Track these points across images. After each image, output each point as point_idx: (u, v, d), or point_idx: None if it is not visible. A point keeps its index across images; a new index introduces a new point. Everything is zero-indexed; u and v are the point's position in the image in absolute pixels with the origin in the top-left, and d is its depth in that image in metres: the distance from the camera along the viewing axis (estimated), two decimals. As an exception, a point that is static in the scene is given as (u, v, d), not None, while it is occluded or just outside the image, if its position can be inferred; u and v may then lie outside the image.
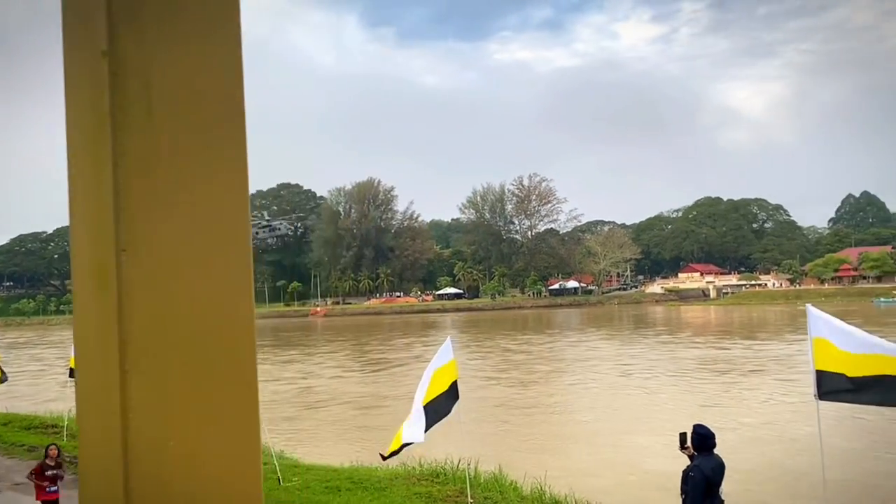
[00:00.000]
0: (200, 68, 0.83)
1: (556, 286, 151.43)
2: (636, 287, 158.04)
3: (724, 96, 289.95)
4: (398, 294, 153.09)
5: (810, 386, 23.44)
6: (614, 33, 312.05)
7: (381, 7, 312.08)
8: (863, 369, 7.71)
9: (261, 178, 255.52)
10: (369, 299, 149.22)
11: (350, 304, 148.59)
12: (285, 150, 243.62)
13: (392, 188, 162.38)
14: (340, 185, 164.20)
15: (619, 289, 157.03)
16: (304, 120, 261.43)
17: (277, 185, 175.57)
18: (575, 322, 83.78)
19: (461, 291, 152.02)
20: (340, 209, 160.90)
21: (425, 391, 11.14)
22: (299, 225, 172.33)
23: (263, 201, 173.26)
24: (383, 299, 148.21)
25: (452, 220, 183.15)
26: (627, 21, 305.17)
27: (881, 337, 8.39)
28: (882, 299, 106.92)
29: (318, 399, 30.78)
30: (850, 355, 7.81)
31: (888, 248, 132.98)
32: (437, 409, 11.04)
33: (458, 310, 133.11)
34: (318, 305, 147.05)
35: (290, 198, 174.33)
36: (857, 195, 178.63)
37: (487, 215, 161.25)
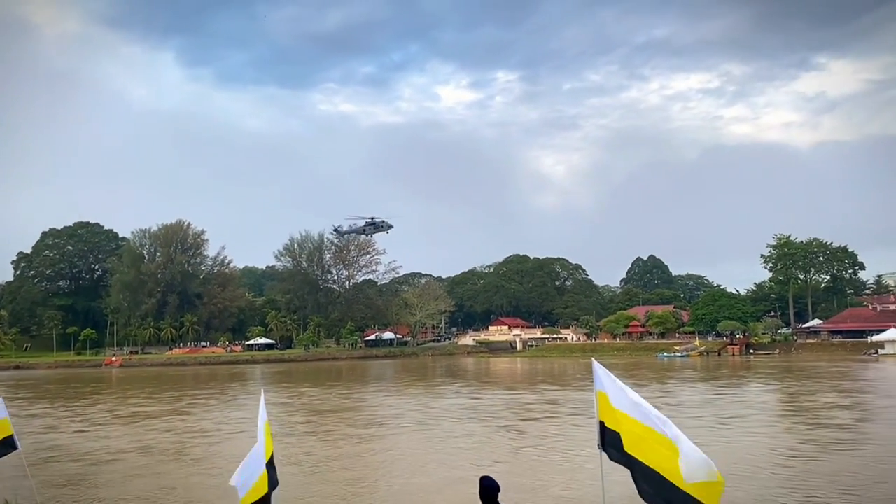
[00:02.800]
0: None
1: (372, 337, 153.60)
2: (450, 339, 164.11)
3: (533, 162, 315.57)
4: (204, 344, 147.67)
5: (527, 434, 27.16)
6: (435, 95, 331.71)
7: (200, 47, 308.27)
8: (635, 443, 7.41)
9: (55, 214, 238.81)
10: (171, 349, 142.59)
11: (150, 353, 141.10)
12: (87, 187, 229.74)
13: (203, 231, 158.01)
14: (146, 226, 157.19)
15: (434, 340, 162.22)
16: (111, 156, 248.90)
17: (74, 223, 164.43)
18: (382, 373, 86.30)
19: (273, 342, 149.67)
20: (144, 252, 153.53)
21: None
22: (97, 267, 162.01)
23: (56, 240, 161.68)
24: (187, 349, 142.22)
25: (267, 267, 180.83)
26: (447, 85, 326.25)
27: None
28: (664, 354, 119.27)
29: (49, 455, 30.18)
30: (624, 416, 7.61)
31: (670, 308, 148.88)
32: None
33: (268, 361, 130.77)
34: (113, 355, 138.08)
35: (87, 237, 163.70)
36: (645, 258, 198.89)
37: (305, 264, 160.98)
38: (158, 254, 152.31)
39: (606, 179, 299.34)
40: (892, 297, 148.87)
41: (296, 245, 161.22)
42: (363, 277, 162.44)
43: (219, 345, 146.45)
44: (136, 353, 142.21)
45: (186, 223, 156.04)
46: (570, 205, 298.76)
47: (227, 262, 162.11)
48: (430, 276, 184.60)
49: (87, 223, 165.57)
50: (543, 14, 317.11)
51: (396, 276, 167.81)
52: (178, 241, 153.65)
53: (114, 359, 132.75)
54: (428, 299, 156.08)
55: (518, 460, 25.04)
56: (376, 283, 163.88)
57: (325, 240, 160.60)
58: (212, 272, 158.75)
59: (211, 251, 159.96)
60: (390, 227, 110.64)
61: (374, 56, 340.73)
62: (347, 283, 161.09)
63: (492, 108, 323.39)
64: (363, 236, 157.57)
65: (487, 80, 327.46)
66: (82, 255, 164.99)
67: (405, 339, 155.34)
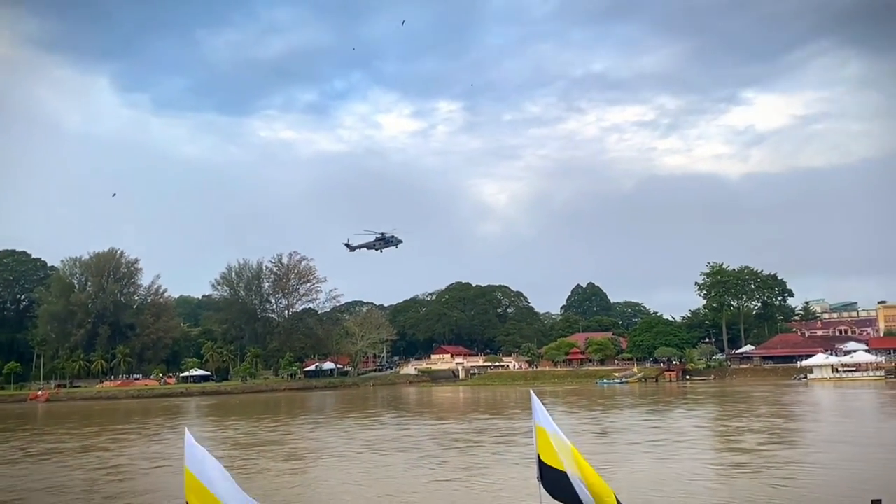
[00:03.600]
0: None
1: (312, 367, 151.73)
2: (391, 368, 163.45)
3: (476, 191, 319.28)
4: (137, 376, 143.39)
5: (449, 464, 27.49)
6: (377, 123, 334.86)
7: (137, 72, 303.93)
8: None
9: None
10: (102, 382, 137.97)
11: (79, 387, 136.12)
12: (14, 214, 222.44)
13: (136, 260, 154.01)
14: (77, 254, 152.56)
15: (376, 370, 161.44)
16: (41, 182, 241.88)
17: (0, 251, 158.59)
18: (320, 404, 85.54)
19: (209, 373, 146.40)
20: (74, 281, 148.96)
21: None
22: (23, 297, 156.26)
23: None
24: (119, 382, 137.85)
25: (204, 296, 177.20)
26: (389, 114, 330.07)
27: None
28: (604, 380, 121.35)
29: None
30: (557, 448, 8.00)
31: (609, 334, 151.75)
32: None
33: (203, 393, 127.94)
34: (39, 389, 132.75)
35: (14, 266, 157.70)
36: (585, 286, 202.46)
37: (242, 293, 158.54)
38: (89, 283, 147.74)
39: (547, 208, 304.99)
40: (818, 323, 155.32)
41: (233, 274, 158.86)
42: (303, 306, 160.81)
43: (152, 377, 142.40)
44: (64, 386, 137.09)
45: (119, 252, 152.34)
46: (512, 233, 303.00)
47: (161, 291, 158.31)
48: (372, 304, 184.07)
49: (14, 251, 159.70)
50: (483, 47, 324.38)
51: (337, 304, 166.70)
52: (111, 270, 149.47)
53: (39, 393, 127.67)
54: (369, 328, 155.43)
55: (438, 491, 25.40)
56: (316, 311, 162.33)
57: (264, 268, 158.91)
58: (145, 302, 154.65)
59: (145, 280, 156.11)
60: (399, 241, 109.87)
61: (315, 83, 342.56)
62: (287, 312, 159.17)
63: (434, 137, 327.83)
64: (303, 268, 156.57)
65: (429, 109, 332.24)
66: (7, 285, 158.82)
67: (346, 368, 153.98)
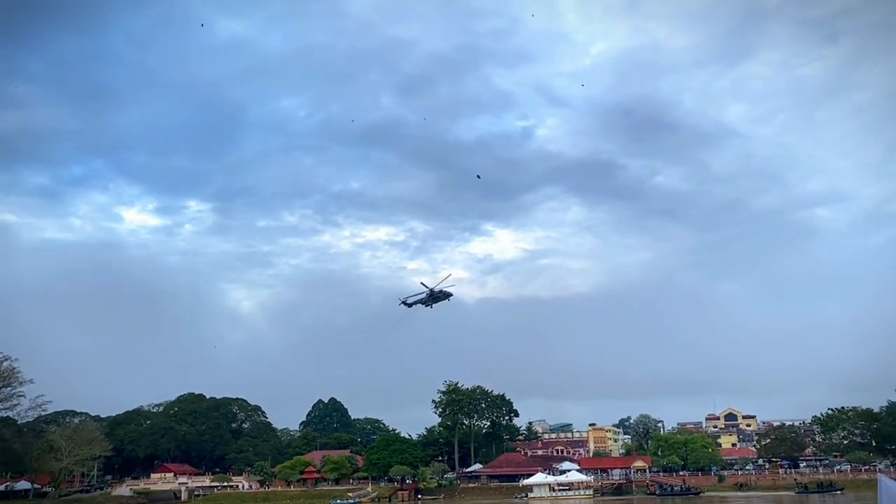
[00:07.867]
0: None
1: (2, 487, 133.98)
2: (102, 489, 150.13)
3: (222, 296, 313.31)
4: None
5: None
6: (117, 216, 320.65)
7: None
8: None
9: None
10: None
11: None
12: None
13: None
14: None
15: (82, 490, 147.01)
16: None
17: None
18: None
19: None
20: None
21: None
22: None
23: None
24: None
25: None
26: (132, 207, 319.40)
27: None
28: (338, 500, 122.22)
29: None
30: None
31: (347, 452, 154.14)
32: None
33: None
34: None
35: None
36: (326, 401, 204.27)
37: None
38: None
39: (295, 319, 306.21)
40: (539, 442, 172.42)
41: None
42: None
43: None
44: None
45: None
46: (258, 342, 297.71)
47: None
48: (87, 414, 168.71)
49: None
50: (242, 150, 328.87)
51: (44, 413, 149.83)
52: None
53: None
54: (80, 442, 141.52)
55: None
56: (16, 421, 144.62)
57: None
58: None
59: None
60: (449, 295, 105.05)
61: (48, 166, 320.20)
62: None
63: (180, 235, 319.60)
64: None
65: (177, 207, 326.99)
66: None
67: (46, 489, 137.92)
